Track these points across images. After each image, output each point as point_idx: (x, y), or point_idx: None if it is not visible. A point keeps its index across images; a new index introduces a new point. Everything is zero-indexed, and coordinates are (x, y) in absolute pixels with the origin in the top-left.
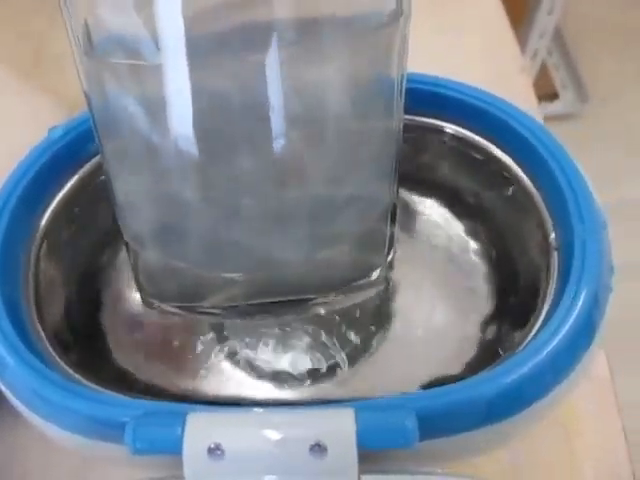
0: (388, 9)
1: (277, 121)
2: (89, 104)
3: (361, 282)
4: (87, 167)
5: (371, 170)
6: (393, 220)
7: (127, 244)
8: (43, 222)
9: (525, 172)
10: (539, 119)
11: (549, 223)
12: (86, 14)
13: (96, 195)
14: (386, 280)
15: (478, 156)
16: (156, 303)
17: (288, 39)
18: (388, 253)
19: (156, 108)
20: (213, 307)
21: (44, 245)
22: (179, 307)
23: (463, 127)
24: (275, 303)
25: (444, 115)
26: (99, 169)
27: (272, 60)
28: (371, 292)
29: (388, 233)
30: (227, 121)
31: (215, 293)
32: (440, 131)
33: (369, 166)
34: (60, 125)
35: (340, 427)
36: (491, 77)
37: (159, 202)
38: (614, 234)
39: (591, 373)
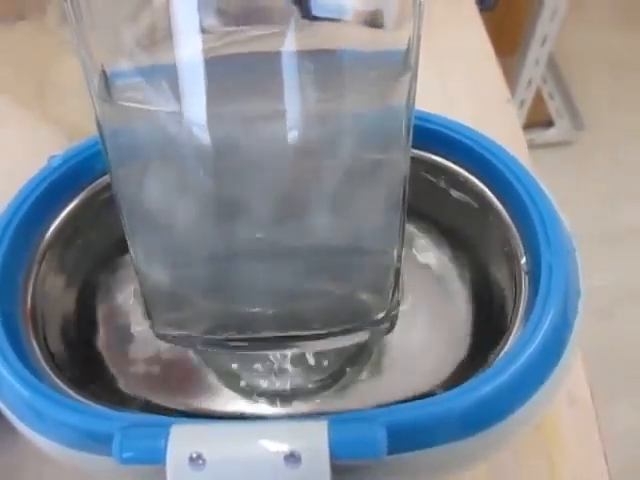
0: (401, 49)
1: (287, 151)
2: (104, 146)
3: (365, 320)
4: (85, 193)
5: (379, 208)
6: (399, 258)
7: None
8: (42, 244)
9: (501, 202)
10: (524, 146)
11: (521, 249)
12: (103, 60)
13: (93, 219)
14: (391, 320)
15: (459, 187)
16: (164, 332)
17: (302, 77)
18: (394, 293)
19: (170, 151)
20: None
21: (42, 265)
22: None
23: (445, 159)
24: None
25: (427, 147)
26: (96, 194)
27: (285, 96)
28: (377, 330)
29: (394, 270)
30: (240, 165)
31: (223, 321)
32: (423, 162)
33: (377, 202)
34: (59, 154)
35: (313, 438)
36: (478, 107)
37: (170, 236)
38: (608, 258)
39: (574, 398)
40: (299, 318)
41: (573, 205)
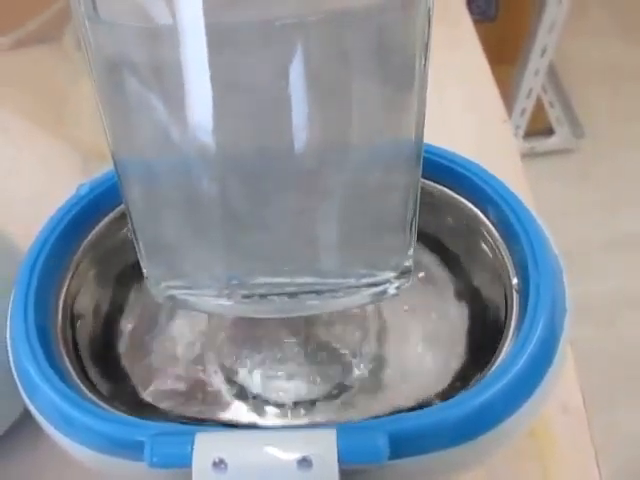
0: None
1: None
2: (115, 164)
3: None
4: (110, 217)
5: (386, 227)
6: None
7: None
8: (72, 265)
9: (494, 226)
10: (519, 167)
11: (512, 270)
12: None
13: (118, 241)
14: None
15: (460, 215)
16: (162, 292)
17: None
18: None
19: (172, 104)
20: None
21: (72, 284)
22: (189, 291)
23: (444, 186)
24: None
25: (427, 175)
26: (121, 218)
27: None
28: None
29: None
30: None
31: (228, 277)
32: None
33: (384, 224)
34: (87, 182)
35: (323, 445)
36: (474, 128)
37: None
38: (608, 265)
39: (567, 406)
40: (314, 266)
41: (573, 212)
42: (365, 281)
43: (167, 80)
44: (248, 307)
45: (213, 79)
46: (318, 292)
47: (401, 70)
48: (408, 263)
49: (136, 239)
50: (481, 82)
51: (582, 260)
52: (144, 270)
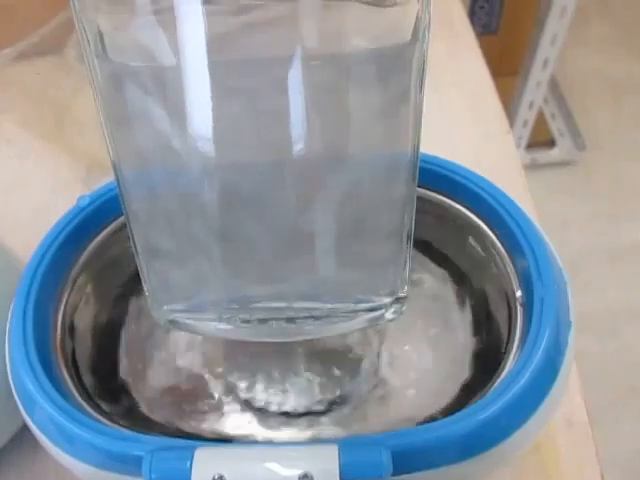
0: (406, 36)
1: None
2: (106, 126)
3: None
4: (110, 230)
5: (384, 239)
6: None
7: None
8: (70, 277)
9: (498, 239)
10: (522, 177)
11: (516, 283)
12: (98, 17)
13: (117, 253)
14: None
15: (463, 228)
16: (163, 316)
17: (305, 70)
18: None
19: (174, 116)
20: (223, 316)
21: (71, 297)
22: (190, 314)
23: (453, 201)
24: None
25: (433, 187)
26: (120, 230)
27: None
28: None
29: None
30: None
31: (226, 301)
32: (426, 201)
33: (382, 234)
34: (87, 194)
35: (325, 460)
36: (477, 139)
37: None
38: (610, 277)
39: (572, 421)
40: (313, 291)
41: (575, 224)
42: (362, 306)
43: (168, 92)
44: (247, 331)
45: (213, 93)
46: (316, 317)
47: (398, 89)
48: (404, 289)
49: (139, 261)
50: (484, 94)
51: (584, 272)
52: (146, 293)
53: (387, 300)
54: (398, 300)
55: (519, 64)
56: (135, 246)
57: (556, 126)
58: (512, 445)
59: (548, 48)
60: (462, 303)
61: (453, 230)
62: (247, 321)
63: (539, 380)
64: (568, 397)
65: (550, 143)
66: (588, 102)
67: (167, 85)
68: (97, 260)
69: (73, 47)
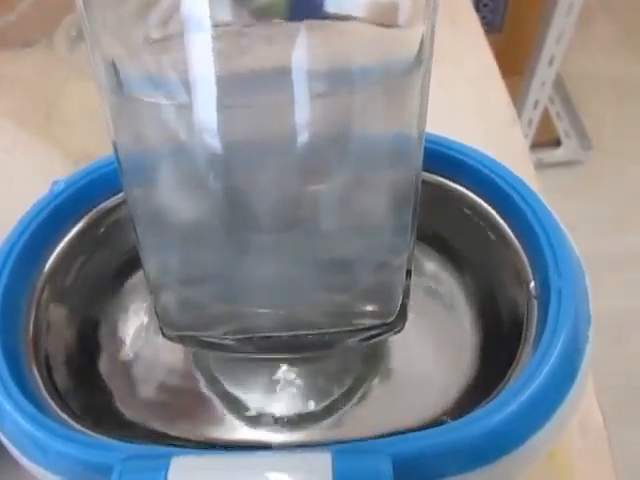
0: (410, 57)
1: (298, 166)
2: (115, 148)
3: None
4: (88, 217)
5: (388, 224)
6: (409, 271)
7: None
8: (44, 271)
9: (508, 225)
10: (530, 167)
11: (529, 273)
12: (113, 52)
13: (96, 245)
14: (402, 323)
15: (467, 210)
16: (172, 333)
17: (311, 84)
18: (404, 300)
19: (180, 152)
20: (228, 336)
21: (44, 293)
22: (194, 338)
23: (453, 181)
24: (292, 340)
25: (435, 169)
26: (99, 220)
27: (295, 103)
28: (386, 335)
29: (404, 282)
30: (250, 168)
31: (231, 323)
32: (430, 184)
33: (386, 218)
34: (62, 179)
35: (317, 470)
36: (484, 129)
37: (183, 239)
38: (616, 280)
39: (586, 426)
40: (305, 319)
41: (580, 225)
42: (361, 327)
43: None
44: (250, 348)
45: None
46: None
47: (403, 72)
48: (404, 309)
49: (149, 283)
50: (490, 85)
51: (589, 274)
52: (155, 309)
53: (388, 320)
54: (399, 318)
55: (524, 63)
56: (146, 266)
57: (562, 126)
58: (528, 452)
59: (554, 46)
60: (468, 295)
61: (456, 215)
62: (250, 338)
63: (558, 380)
64: (582, 402)
65: (555, 143)
66: (594, 102)
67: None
68: (73, 253)
69: (61, 37)
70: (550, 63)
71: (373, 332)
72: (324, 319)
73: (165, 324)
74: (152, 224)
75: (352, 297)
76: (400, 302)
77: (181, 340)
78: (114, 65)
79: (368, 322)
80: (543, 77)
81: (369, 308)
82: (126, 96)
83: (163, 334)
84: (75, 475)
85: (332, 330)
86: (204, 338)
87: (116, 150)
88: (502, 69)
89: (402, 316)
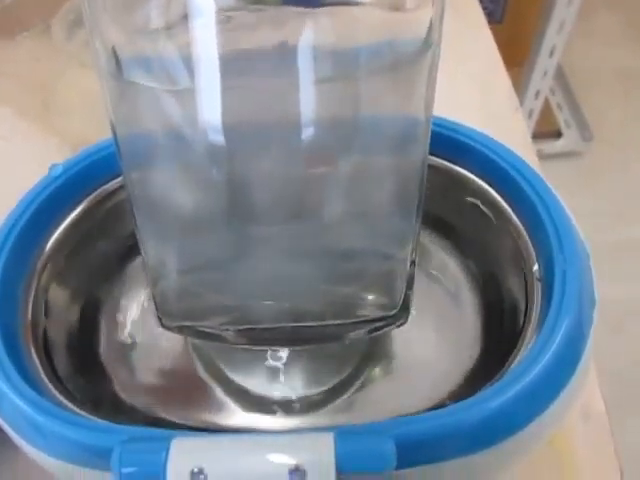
0: (419, 40)
1: (302, 150)
2: (114, 134)
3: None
4: (86, 202)
5: (393, 212)
6: (413, 261)
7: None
8: (43, 254)
9: (511, 207)
10: (533, 154)
11: (533, 255)
12: (114, 37)
13: (95, 229)
14: (405, 316)
15: (471, 194)
16: (170, 323)
17: (316, 69)
18: (407, 292)
19: (181, 140)
20: (227, 327)
21: (43, 276)
22: (193, 329)
23: (456, 165)
24: (293, 333)
25: (438, 154)
26: (98, 203)
27: (300, 87)
28: (389, 328)
29: (407, 273)
30: (253, 157)
31: (231, 313)
32: (434, 168)
33: (391, 206)
34: (60, 163)
35: (319, 451)
36: (487, 115)
37: (183, 228)
38: (617, 270)
39: (588, 413)
40: (308, 310)
41: (581, 216)
42: (364, 319)
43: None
44: (251, 340)
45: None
46: (320, 333)
47: (411, 55)
48: (408, 300)
49: (147, 271)
50: (494, 76)
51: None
52: (155, 302)
53: (391, 312)
54: (402, 310)
55: (525, 54)
56: (144, 256)
57: (562, 117)
58: (531, 435)
59: (555, 36)
60: (472, 279)
61: (459, 197)
62: (251, 329)
63: (561, 362)
64: (584, 387)
65: (556, 134)
66: (596, 93)
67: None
68: (72, 236)
69: (59, 25)
70: (551, 54)
71: (376, 324)
72: (327, 310)
73: (163, 314)
74: (151, 210)
75: (355, 288)
76: (404, 293)
77: (179, 330)
78: (114, 50)
79: (371, 313)
80: (544, 67)
81: (372, 299)
82: (126, 81)
83: (161, 324)
84: (75, 458)
85: (335, 322)
86: (202, 329)
87: (115, 134)
88: (503, 60)
89: (405, 308)
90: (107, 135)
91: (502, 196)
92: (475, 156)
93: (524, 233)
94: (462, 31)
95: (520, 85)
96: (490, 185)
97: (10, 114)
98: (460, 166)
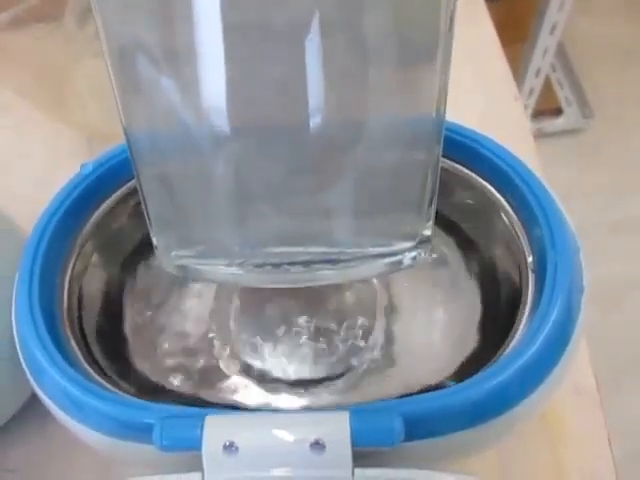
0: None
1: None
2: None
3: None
4: (115, 196)
5: (404, 202)
6: (432, 200)
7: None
8: (77, 244)
9: (509, 204)
10: (532, 145)
11: (528, 249)
12: (122, 31)
13: (123, 220)
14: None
15: (469, 191)
16: (171, 262)
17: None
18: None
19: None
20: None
21: (77, 264)
22: (200, 260)
23: (457, 163)
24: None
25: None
26: (125, 198)
27: (313, 79)
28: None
29: (427, 204)
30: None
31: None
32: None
33: (402, 198)
34: (90, 161)
35: (336, 427)
36: (487, 105)
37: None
38: (615, 247)
39: (580, 388)
40: (329, 236)
41: (581, 193)
42: (381, 250)
43: (180, 56)
44: (260, 276)
45: (227, 57)
46: (332, 261)
47: (424, 42)
48: (427, 232)
49: (146, 208)
50: (492, 59)
51: (588, 242)
52: (153, 239)
53: (408, 244)
54: (420, 244)
55: (525, 32)
56: (143, 195)
57: (563, 94)
58: (524, 411)
59: (556, 13)
60: (470, 269)
61: (459, 194)
62: (260, 266)
63: (551, 346)
64: (576, 365)
65: (557, 111)
66: (596, 70)
67: (177, 48)
68: (103, 227)
69: (72, 14)
70: (552, 31)
71: (396, 257)
72: (341, 237)
73: (166, 251)
74: (151, 156)
75: (375, 212)
76: (425, 225)
77: (181, 270)
78: (123, 42)
79: (391, 242)
80: (545, 45)
81: (392, 225)
82: (135, 72)
83: (162, 265)
84: (117, 433)
85: (346, 250)
86: (208, 266)
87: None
88: (503, 38)
89: (426, 240)
90: (120, 125)
91: (499, 192)
92: (475, 156)
93: (521, 228)
94: (461, 18)
95: (521, 63)
96: (489, 183)
97: (25, 105)
98: (460, 165)
